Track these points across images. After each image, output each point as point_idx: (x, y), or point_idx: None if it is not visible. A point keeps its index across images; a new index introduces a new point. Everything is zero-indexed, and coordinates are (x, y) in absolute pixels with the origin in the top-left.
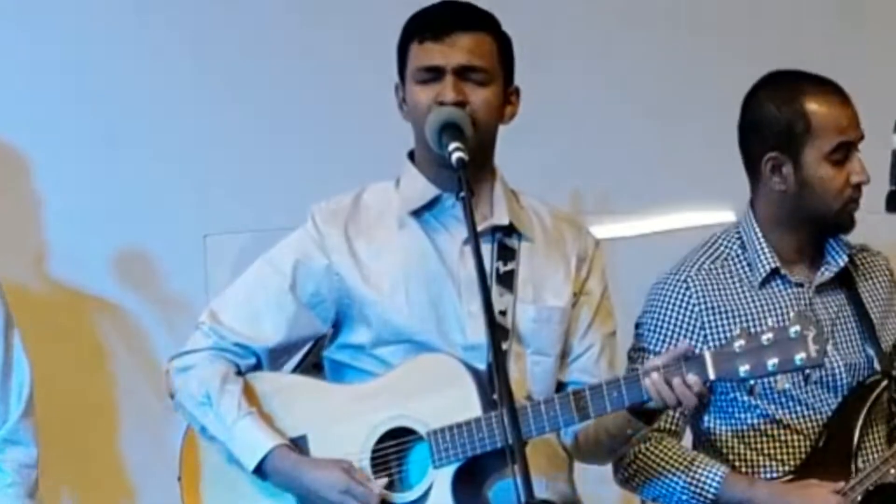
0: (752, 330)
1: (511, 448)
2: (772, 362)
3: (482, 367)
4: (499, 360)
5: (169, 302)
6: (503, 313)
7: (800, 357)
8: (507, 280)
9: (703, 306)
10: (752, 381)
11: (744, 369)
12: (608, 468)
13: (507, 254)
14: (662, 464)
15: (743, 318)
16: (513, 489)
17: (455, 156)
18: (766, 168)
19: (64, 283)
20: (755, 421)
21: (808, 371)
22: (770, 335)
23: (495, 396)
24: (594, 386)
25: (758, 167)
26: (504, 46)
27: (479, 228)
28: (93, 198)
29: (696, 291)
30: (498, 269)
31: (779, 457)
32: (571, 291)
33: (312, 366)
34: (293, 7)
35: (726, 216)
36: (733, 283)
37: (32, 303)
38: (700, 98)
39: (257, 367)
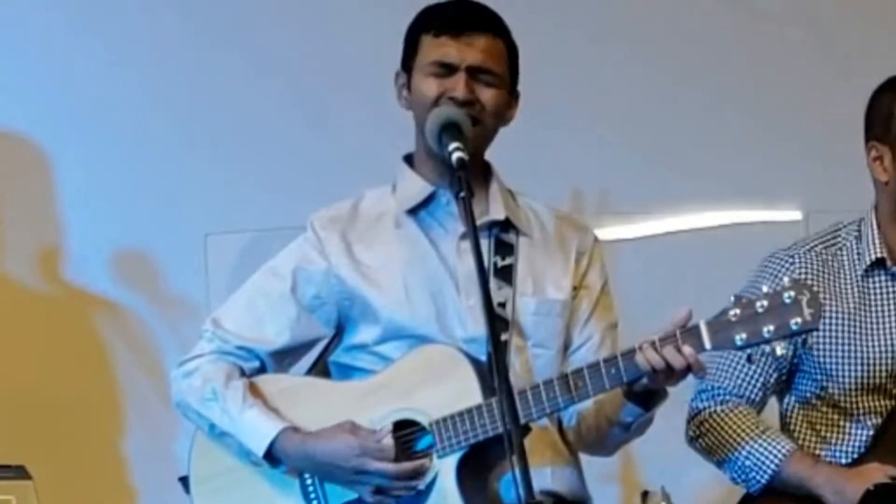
0: (747, 298)
1: (509, 437)
2: (767, 329)
3: (482, 357)
4: (497, 347)
5: (170, 301)
6: (502, 305)
7: (795, 322)
8: (506, 274)
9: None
10: (749, 350)
11: (740, 337)
12: (609, 462)
13: (504, 249)
14: (734, 427)
15: (841, 303)
16: (516, 481)
17: (455, 156)
18: (869, 156)
19: (65, 283)
20: (825, 409)
21: (804, 336)
22: (765, 302)
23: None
24: (592, 364)
25: (868, 157)
26: (512, 52)
27: (476, 224)
28: (93, 197)
29: (800, 268)
30: (496, 264)
31: (843, 447)
32: (571, 285)
33: (321, 373)
34: (294, 8)
35: (726, 216)
36: (840, 270)
37: (33, 302)
38: (701, 98)
39: (261, 370)
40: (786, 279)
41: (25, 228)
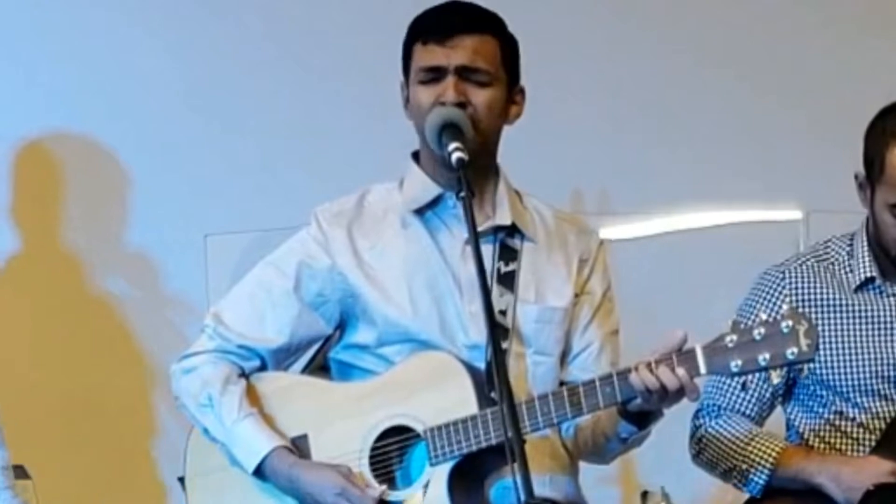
0: (744, 324)
1: (510, 444)
2: (763, 357)
3: (482, 365)
4: (498, 357)
5: (170, 302)
6: (503, 313)
7: (791, 351)
8: (508, 280)
9: (794, 297)
10: (744, 377)
11: (735, 364)
12: (607, 467)
13: (508, 254)
14: (728, 436)
15: (834, 316)
16: (513, 488)
17: (455, 156)
18: (856, 181)
19: (64, 282)
20: (830, 416)
21: (800, 366)
22: (762, 330)
23: (493, 395)
24: (587, 381)
25: (856, 181)
26: (508, 48)
27: (481, 228)
28: (93, 197)
29: (791, 283)
30: (499, 270)
31: (849, 452)
32: (573, 292)
33: (320, 368)
34: (294, 7)
35: (726, 216)
36: (831, 284)
37: (33, 302)
38: (701, 99)
39: (262, 368)
40: (785, 307)
41: (27, 228)
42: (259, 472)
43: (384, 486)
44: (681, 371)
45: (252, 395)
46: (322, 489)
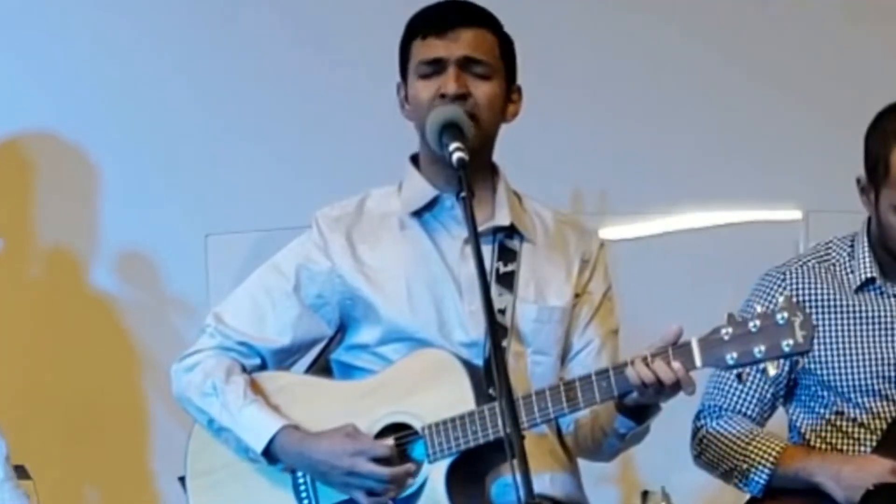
0: (740, 316)
1: (509, 440)
2: (759, 349)
3: (479, 363)
4: (497, 354)
5: (170, 302)
6: (502, 312)
7: (787, 343)
8: (507, 280)
9: (795, 298)
10: (739, 369)
11: (731, 356)
12: (607, 466)
13: (507, 255)
14: (728, 437)
15: (834, 317)
16: (514, 485)
17: (455, 156)
18: (859, 186)
19: (65, 282)
20: (831, 416)
21: (797, 358)
22: (757, 322)
23: (491, 391)
24: (584, 376)
25: (858, 186)
26: (505, 44)
27: (480, 229)
28: (93, 197)
29: (792, 283)
30: (498, 270)
31: (849, 452)
32: (573, 292)
33: (322, 369)
34: (295, 9)
35: (726, 216)
36: (832, 285)
37: (33, 301)
38: (700, 99)
39: (262, 367)
40: (780, 298)
41: (28, 228)
42: (268, 454)
43: (392, 441)
44: (676, 364)
45: (255, 391)
46: (336, 455)
